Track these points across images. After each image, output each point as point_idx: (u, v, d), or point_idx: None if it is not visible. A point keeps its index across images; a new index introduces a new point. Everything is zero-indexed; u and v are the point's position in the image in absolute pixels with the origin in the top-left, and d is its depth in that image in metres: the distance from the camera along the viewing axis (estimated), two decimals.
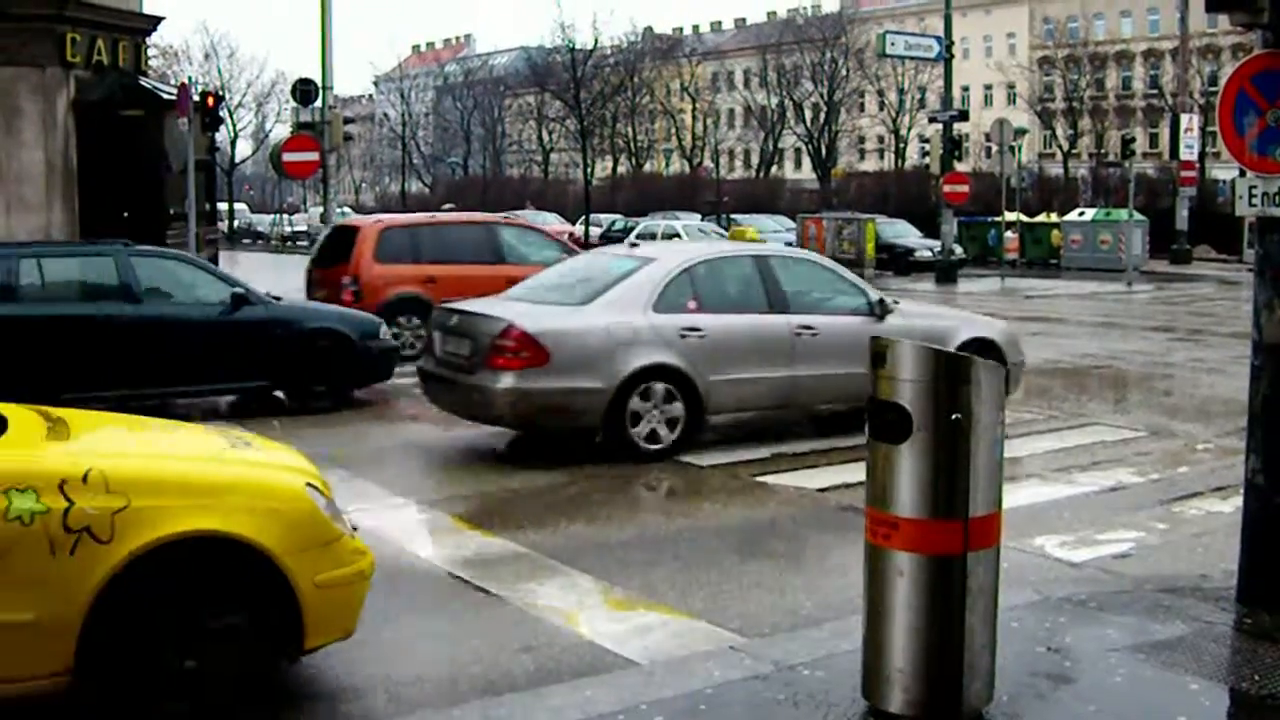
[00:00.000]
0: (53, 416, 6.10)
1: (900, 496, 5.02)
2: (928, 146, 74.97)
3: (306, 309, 15.42)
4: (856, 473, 6.28)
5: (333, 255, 19.69)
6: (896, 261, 41.37)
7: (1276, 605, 6.57)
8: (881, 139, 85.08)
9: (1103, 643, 6.12)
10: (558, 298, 11.86)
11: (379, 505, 9.48)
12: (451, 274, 18.50)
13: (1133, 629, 6.34)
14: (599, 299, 11.45)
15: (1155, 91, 74.98)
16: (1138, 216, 40.01)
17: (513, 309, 11.48)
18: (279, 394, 14.27)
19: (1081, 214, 46.18)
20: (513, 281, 14.07)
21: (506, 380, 10.83)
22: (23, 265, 13.37)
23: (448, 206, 73.78)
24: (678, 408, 11.19)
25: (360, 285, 18.50)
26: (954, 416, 4.93)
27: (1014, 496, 8.17)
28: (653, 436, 11.11)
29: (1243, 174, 6.78)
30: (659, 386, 11.11)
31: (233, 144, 77.95)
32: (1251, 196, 6.68)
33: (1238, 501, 7.01)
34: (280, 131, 70.48)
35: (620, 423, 10.99)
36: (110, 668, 5.18)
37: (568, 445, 11.36)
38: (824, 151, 77.83)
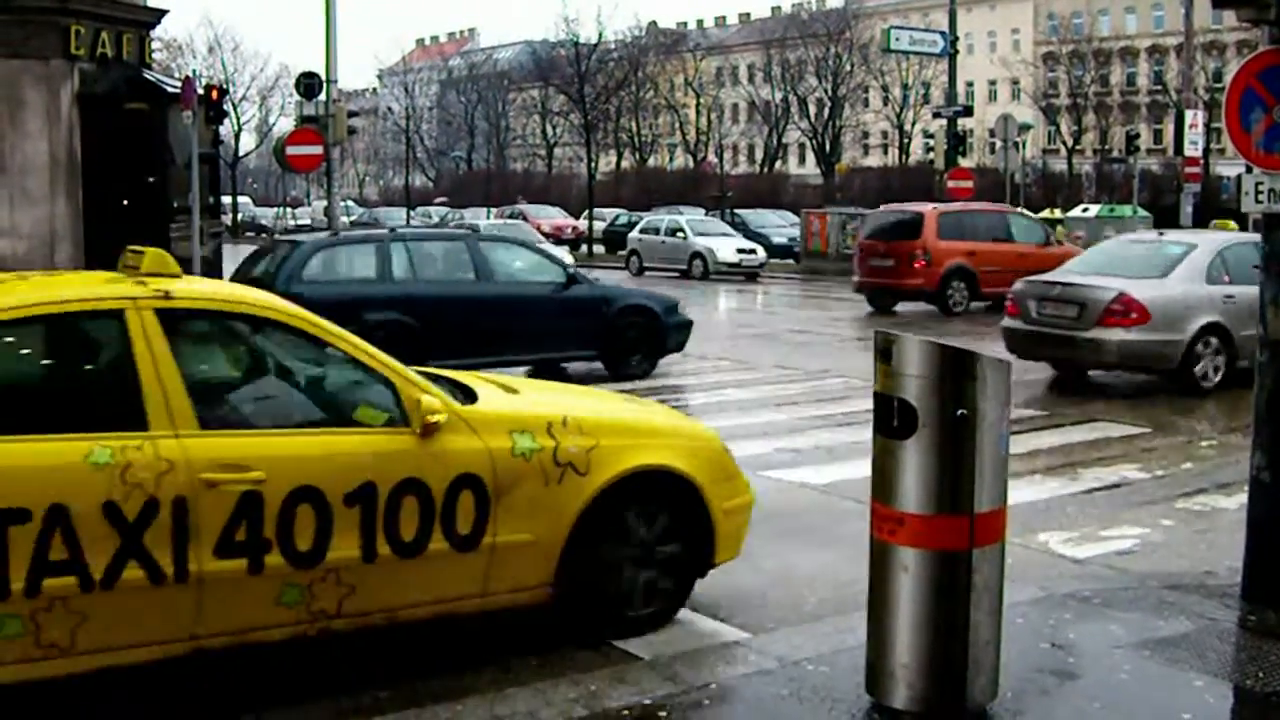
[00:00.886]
0: (494, 382, 7.18)
1: (905, 492, 5.01)
2: (932, 142, 74.55)
3: (621, 288, 18.23)
4: (861, 468, 6.25)
5: (893, 233, 26.18)
6: None
7: None
8: (885, 134, 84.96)
9: (1107, 639, 6.12)
10: (1135, 272, 15.24)
11: None
12: (983, 249, 25.31)
13: (1137, 625, 6.34)
14: (1172, 273, 15.02)
15: (1160, 87, 74.97)
16: (1142, 213, 40.05)
17: (1115, 281, 14.88)
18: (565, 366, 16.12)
19: (1086, 210, 46.22)
20: (1022, 257, 23.49)
21: (1118, 334, 14.45)
22: (392, 249, 15.17)
23: (440, 200, 73.87)
24: (1221, 357, 14.67)
25: (930, 256, 25.00)
26: (959, 412, 4.92)
27: (1019, 493, 8.18)
28: (1207, 377, 14.63)
29: (1249, 170, 6.77)
30: (1213, 340, 14.64)
31: (236, 137, 77.93)
32: (1258, 193, 6.67)
33: (1242, 498, 7.01)
34: (284, 125, 70.59)
35: (1188, 366, 14.52)
36: (582, 580, 6.23)
37: None
38: (828, 146, 77.72)
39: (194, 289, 6.13)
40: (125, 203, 23.80)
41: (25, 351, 5.78)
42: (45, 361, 5.87)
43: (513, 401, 6.61)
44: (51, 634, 5.05)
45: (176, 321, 5.67)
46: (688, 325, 16.69)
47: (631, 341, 16.03)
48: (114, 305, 5.55)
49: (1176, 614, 6.53)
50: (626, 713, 5.19)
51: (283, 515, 5.46)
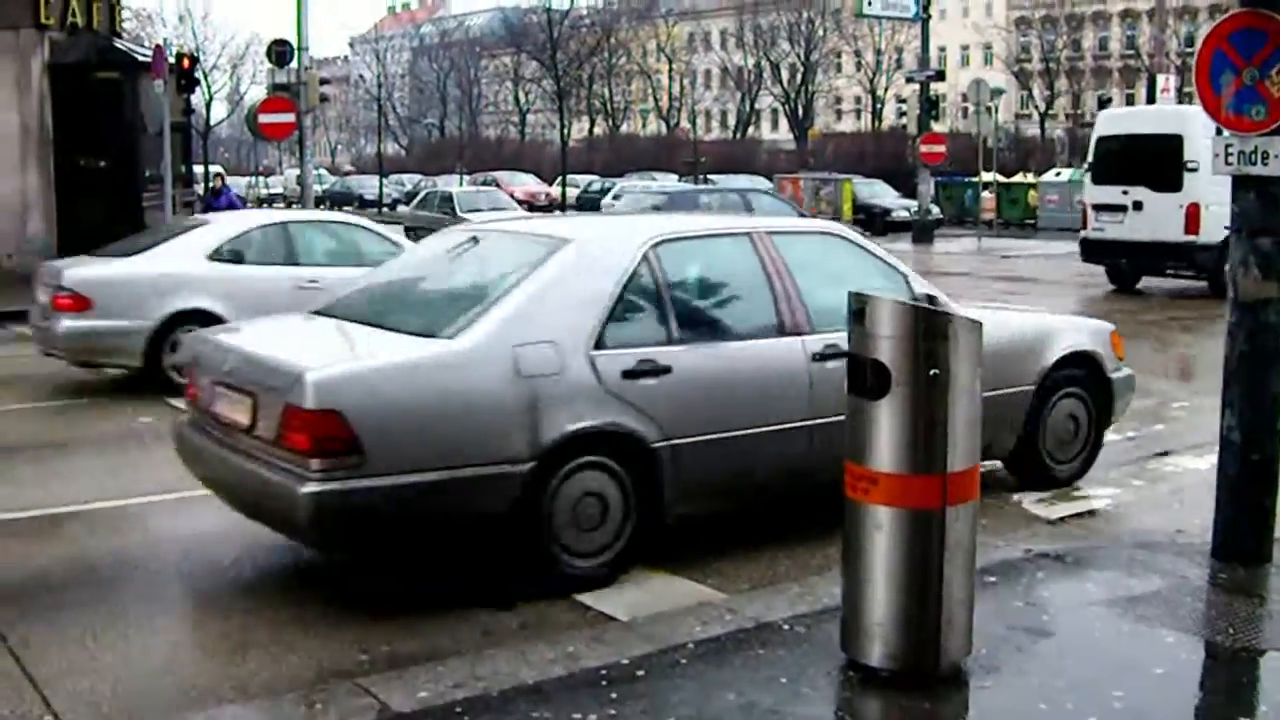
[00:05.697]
0: None
1: (879, 451, 5.05)
2: (905, 107, 74.37)
3: None
4: None
5: None
6: (873, 222, 41.38)
7: (1250, 560, 6.65)
8: (858, 99, 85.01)
9: (1080, 597, 6.20)
10: None
11: None
12: None
13: (1109, 584, 6.41)
14: None
15: (1132, 52, 75.17)
16: None
17: None
18: None
19: (1058, 174, 46.31)
20: None
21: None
22: None
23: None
24: None
25: None
26: (932, 372, 4.96)
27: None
28: None
29: (1219, 132, 6.80)
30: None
31: (208, 106, 77.35)
32: (1228, 155, 6.70)
33: (1213, 458, 7.06)
34: (255, 94, 70.10)
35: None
36: None
37: None
38: (801, 112, 77.69)
39: None
40: (97, 173, 23.70)
41: None
42: None
43: None
44: None
45: None
46: None
47: None
48: None
49: (1148, 572, 6.60)
50: (605, 672, 5.23)
51: None
